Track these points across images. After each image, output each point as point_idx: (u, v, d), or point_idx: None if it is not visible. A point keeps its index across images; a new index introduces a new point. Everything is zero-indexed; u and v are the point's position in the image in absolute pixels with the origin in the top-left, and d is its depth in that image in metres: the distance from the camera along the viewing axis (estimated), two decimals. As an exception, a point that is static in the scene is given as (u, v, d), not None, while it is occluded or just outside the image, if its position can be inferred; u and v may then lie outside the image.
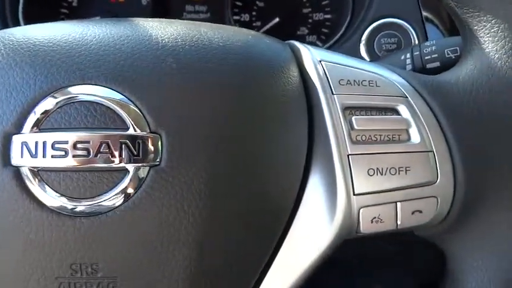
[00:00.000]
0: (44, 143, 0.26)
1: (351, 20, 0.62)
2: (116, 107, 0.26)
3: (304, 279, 0.30)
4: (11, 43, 0.28)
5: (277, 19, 0.67)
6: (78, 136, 0.26)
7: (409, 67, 0.43)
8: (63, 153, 0.26)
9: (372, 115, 0.31)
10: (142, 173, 0.26)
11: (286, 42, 0.34)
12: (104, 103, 0.26)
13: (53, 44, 0.28)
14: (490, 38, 0.31)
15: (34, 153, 0.26)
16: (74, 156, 0.26)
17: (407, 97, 0.31)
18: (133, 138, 0.26)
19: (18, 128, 0.26)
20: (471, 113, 0.31)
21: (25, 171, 0.26)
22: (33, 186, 0.26)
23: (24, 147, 0.26)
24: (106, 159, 0.26)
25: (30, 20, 0.62)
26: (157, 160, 0.27)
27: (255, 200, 0.28)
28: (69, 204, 0.26)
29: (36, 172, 0.26)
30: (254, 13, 0.68)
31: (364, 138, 0.30)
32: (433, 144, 0.30)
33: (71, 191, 0.26)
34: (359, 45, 0.58)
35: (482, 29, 0.32)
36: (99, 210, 0.26)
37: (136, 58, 0.27)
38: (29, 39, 0.28)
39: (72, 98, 0.27)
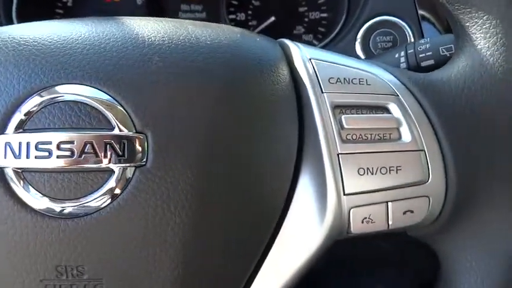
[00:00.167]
0: (28, 144, 0.26)
1: (347, 18, 0.62)
2: (100, 106, 0.26)
3: (296, 280, 0.30)
4: None
5: (273, 18, 0.67)
6: (62, 136, 0.26)
7: (403, 65, 0.42)
8: (46, 153, 0.25)
9: (362, 114, 0.30)
10: (129, 173, 0.26)
11: (276, 40, 0.33)
12: (88, 103, 0.26)
13: (38, 43, 0.27)
14: (481, 35, 0.31)
15: (18, 154, 0.26)
16: (57, 156, 0.25)
17: (398, 95, 0.31)
18: (118, 138, 0.26)
19: (1, 129, 0.26)
20: (463, 111, 0.30)
21: (9, 172, 0.26)
22: (17, 187, 0.26)
23: (8, 147, 0.26)
24: (90, 159, 0.26)
25: (24, 20, 0.62)
26: (143, 160, 0.26)
27: (243, 201, 0.28)
28: (54, 206, 0.26)
29: (20, 173, 0.26)
30: (250, 12, 0.68)
31: (354, 137, 0.30)
32: (424, 143, 0.30)
33: (55, 192, 0.26)
34: (354, 44, 0.57)
35: (474, 25, 0.31)
36: (84, 211, 0.26)
37: (122, 57, 0.27)
38: (14, 38, 0.28)
39: (56, 97, 0.26)
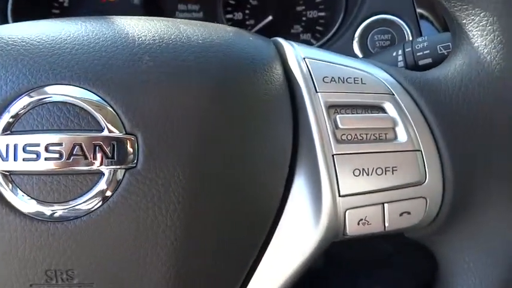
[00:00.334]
0: (15, 146, 0.25)
1: (344, 17, 0.62)
2: (89, 107, 0.26)
3: (292, 282, 0.30)
4: None
5: (270, 17, 0.66)
6: (50, 138, 0.25)
7: (400, 64, 0.42)
8: (34, 156, 0.25)
9: (357, 113, 0.30)
10: (120, 175, 0.26)
11: (271, 39, 0.33)
12: (77, 104, 0.26)
13: (26, 43, 0.27)
14: (479, 32, 0.30)
15: (5, 156, 0.25)
16: (46, 159, 0.25)
17: (393, 94, 0.30)
18: (108, 140, 0.25)
19: None
20: (460, 110, 0.30)
21: None
22: (5, 190, 0.25)
23: None
24: (79, 162, 0.25)
25: (20, 20, 0.62)
26: (134, 162, 0.26)
27: (236, 203, 0.27)
28: (43, 209, 0.25)
29: (8, 176, 0.25)
30: (247, 11, 0.67)
31: (349, 137, 0.29)
32: (420, 143, 0.29)
33: (44, 195, 0.25)
34: (352, 43, 0.57)
35: (470, 23, 0.31)
36: (74, 214, 0.26)
37: (111, 57, 0.26)
38: (2, 38, 0.28)
39: (44, 98, 0.26)
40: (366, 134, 0.29)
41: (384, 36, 0.57)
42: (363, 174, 0.28)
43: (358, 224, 0.29)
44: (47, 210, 0.25)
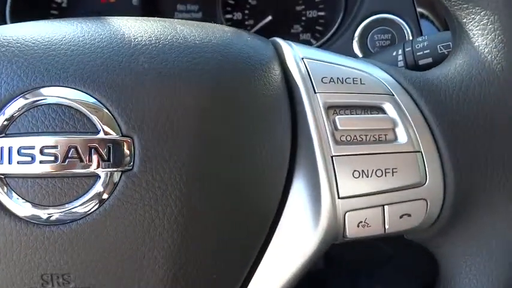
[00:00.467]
0: (10, 149, 0.25)
1: (344, 16, 0.61)
2: (85, 109, 0.25)
3: (292, 285, 0.29)
4: None
5: (270, 17, 0.66)
6: (45, 141, 0.25)
7: (400, 63, 0.42)
8: (29, 159, 0.25)
9: (356, 114, 0.29)
10: (116, 177, 0.25)
11: (269, 39, 0.33)
12: (72, 106, 0.25)
13: (21, 44, 0.27)
14: (479, 31, 0.30)
15: (0, 159, 0.25)
16: (41, 162, 0.25)
17: (393, 95, 0.30)
18: (103, 142, 0.25)
19: None
20: (460, 110, 0.30)
21: None
22: (0, 194, 0.25)
23: None
24: (75, 164, 0.25)
25: (18, 21, 0.61)
26: (130, 165, 0.25)
27: (234, 205, 0.27)
28: (38, 212, 0.25)
29: (2, 179, 0.25)
30: (246, 11, 0.67)
31: (348, 138, 0.29)
32: (421, 144, 0.29)
33: (39, 198, 0.25)
34: (352, 42, 0.57)
35: (471, 22, 0.30)
36: (70, 217, 0.25)
37: (107, 58, 0.26)
38: None
39: (39, 100, 0.26)
40: (366, 135, 0.29)
41: (383, 35, 0.56)
42: (362, 176, 0.28)
43: (358, 226, 0.28)
44: (42, 214, 0.25)
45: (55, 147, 0.25)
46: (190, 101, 0.26)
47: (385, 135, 0.29)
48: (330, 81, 0.29)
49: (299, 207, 0.28)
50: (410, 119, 0.29)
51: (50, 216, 0.25)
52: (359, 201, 0.28)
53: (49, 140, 0.25)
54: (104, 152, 0.25)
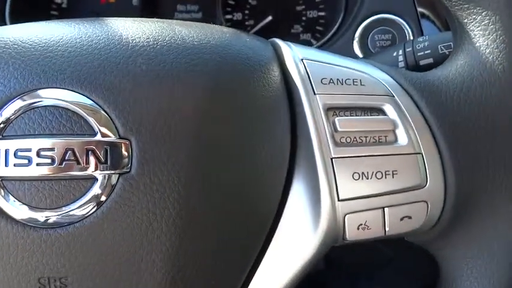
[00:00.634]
0: (6, 151, 0.25)
1: (344, 16, 0.61)
2: (82, 111, 0.25)
3: (292, 287, 0.29)
4: None
5: (270, 17, 0.66)
6: (41, 143, 0.25)
7: (401, 64, 0.41)
8: (26, 161, 0.25)
9: (356, 116, 0.29)
10: (114, 179, 0.25)
11: (268, 40, 0.32)
12: (69, 108, 0.25)
13: (18, 45, 0.27)
14: (480, 32, 0.30)
15: None
16: (37, 164, 0.25)
17: (393, 96, 0.30)
18: (101, 144, 0.25)
19: None
20: (461, 111, 0.29)
21: None
22: None
23: None
24: (72, 167, 0.25)
25: (17, 23, 0.61)
26: (127, 167, 0.25)
27: (233, 207, 0.27)
28: (36, 215, 0.25)
29: None
30: (247, 12, 0.67)
31: (348, 140, 0.28)
32: (421, 146, 0.29)
33: (36, 201, 0.25)
34: (353, 43, 0.56)
35: (472, 22, 0.30)
36: (68, 220, 0.25)
37: (104, 59, 0.26)
38: None
39: (36, 102, 0.25)
40: (366, 137, 0.29)
41: (384, 36, 0.56)
42: (362, 178, 0.28)
43: (358, 228, 0.28)
44: (39, 217, 0.25)
45: (52, 149, 0.25)
46: (189, 103, 0.26)
47: (385, 136, 0.29)
48: (330, 82, 0.29)
49: (299, 210, 0.28)
50: (410, 121, 0.29)
51: (47, 219, 0.25)
52: (359, 203, 0.28)
53: (46, 142, 0.25)
54: (101, 155, 0.25)
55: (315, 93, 0.29)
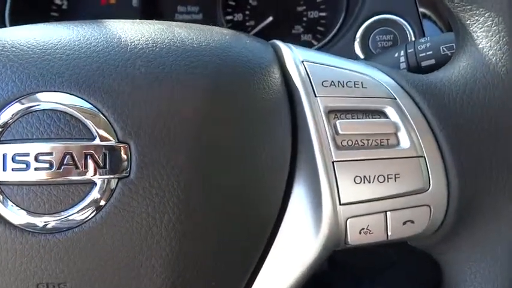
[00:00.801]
0: (4, 156, 0.24)
1: (345, 17, 0.61)
2: (80, 115, 0.25)
3: None
4: None
5: (271, 18, 0.66)
6: (40, 147, 0.24)
7: (403, 65, 0.41)
8: (24, 166, 0.24)
9: (357, 118, 0.29)
10: (113, 184, 0.25)
11: (269, 42, 0.32)
12: (67, 111, 0.25)
13: (16, 48, 0.26)
14: (483, 33, 0.29)
15: None
16: (35, 169, 0.24)
17: (395, 98, 0.29)
18: (99, 148, 0.25)
19: None
20: (464, 114, 0.29)
21: None
22: None
23: None
24: (70, 171, 0.24)
25: (17, 24, 0.61)
26: (127, 171, 0.25)
27: (233, 212, 0.27)
28: (34, 220, 0.25)
29: None
30: (247, 12, 0.67)
31: (349, 143, 0.28)
32: (424, 149, 0.29)
33: (34, 206, 0.25)
34: (354, 43, 0.56)
35: (475, 23, 0.30)
36: (67, 225, 0.25)
37: (103, 62, 0.26)
38: None
39: (34, 106, 0.25)
40: (367, 140, 0.28)
41: (385, 36, 0.56)
42: (364, 182, 0.28)
43: (360, 233, 0.28)
44: (38, 222, 0.25)
45: (50, 154, 0.24)
46: (188, 106, 0.26)
47: (387, 139, 0.29)
48: (331, 84, 0.29)
49: (300, 213, 0.28)
50: (412, 123, 0.29)
51: (46, 224, 0.25)
52: (361, 207, 0.28)
53: (44, 146, 0.24)
54: (100, 159, 0.25)
55: (315, 96, 0.28)
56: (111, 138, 0.25)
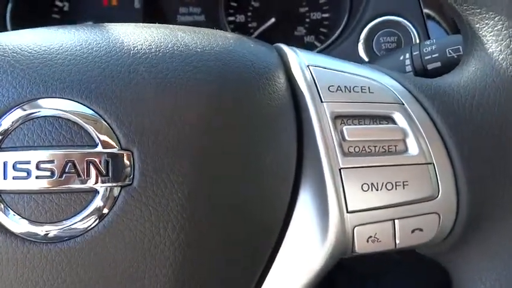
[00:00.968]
0: (5, 164, 0.24)
1: (349, 18, 0.60)
2: (82, 122, 0.24)
3: None
4: None
5: (273, 19, 0.65)
6: (41, 155, 0.24)
7: (408, 68, 0.41)
8: (25, 174, 0.24)
9: (365, 124, 0.28)
10: (116, 192, 0.24)
11: (273, 45, 0.31)
12: (69, 118, 0.25)
13: (17, 53, 0.26)
14: (493, 37, 0.29)
15: None
16: (37, 177, 0.24)
17: (403, 104, 0.29)
18: (101, 156, 0.24)
19: None
20: (474, 120, 0.28)
21: None
22: None
23: None
24: (72, 180, 0.24)
25: (19, 26, 0.61)
26: (129, 179, 0.24)
27: (238, 220, 0.26)
28: (35, 229, 0.24)
29: None
30: (249, 14, 0.66)
31: (357, 150, 0.28)
32: (432, 156, 0.28)
33: (36, 215, 0.24)
34: (357, 45, 0.55)
35: (484, 27, 0.29)
36: (69, 234, 0.24)
37: (105, 68, 0.25)
38: None
39: (35, 113, 0.25)
40: (375, 146, 0.28)
41: (390, 38, 0.55)
42: (371, 189, 0.27)
43: (368, 241, 0.27)
44: (39, 231, 0.24)
45: (51, 161, 0.24)
46: (192, 112, 0.25)
47: (395, 146, 0.28)
48: (337, 89, 0.28)
49: (306, 221, 0.27)
50: (421, 129, 0.28)
51: (48, 233, 0.24)
52: (368, 215, 0.27)
53: (45, 154, 0.24)
54: (102, 166, 0.24)
55: (322, 101, 0.28)
56: (113, 145, 0.24)
